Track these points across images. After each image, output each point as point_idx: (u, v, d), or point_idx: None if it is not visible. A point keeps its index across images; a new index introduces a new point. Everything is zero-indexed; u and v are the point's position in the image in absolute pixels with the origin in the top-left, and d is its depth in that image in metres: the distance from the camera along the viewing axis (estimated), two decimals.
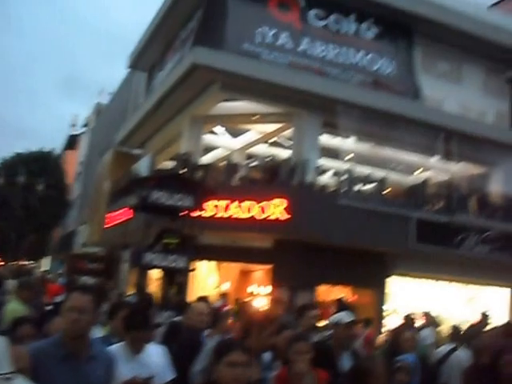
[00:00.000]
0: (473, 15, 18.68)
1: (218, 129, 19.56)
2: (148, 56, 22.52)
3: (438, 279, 17.35)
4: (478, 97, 19.85)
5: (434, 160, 18.77)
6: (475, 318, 15.09)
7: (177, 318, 8.19)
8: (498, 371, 5.26)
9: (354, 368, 4.88)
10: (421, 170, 21.04)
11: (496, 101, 20.33)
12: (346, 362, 5.58)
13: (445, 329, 13.28)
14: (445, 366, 7.68)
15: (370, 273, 15.49)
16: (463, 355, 7.25)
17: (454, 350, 7.95)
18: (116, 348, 4.46)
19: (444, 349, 8.38)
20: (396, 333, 7.77)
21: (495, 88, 20.25)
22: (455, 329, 9.50)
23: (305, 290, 13.78)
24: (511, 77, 20.52)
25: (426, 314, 12.63)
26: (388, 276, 16.35)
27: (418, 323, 12.67)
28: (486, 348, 5.89)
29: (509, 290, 18.62)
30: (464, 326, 10.76)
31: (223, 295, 14.83)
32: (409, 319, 11.76)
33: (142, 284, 12.32)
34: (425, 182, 18.08)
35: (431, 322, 12.13)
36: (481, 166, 19.80)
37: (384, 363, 4.87)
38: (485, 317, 12.50)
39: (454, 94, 19.14)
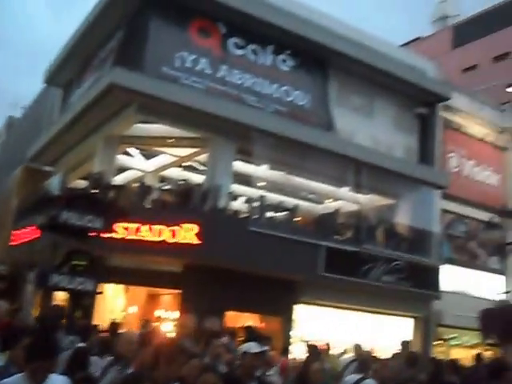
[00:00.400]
0: (385, 53, 19.40)
1: (132, 150, 19.33)
2: (65, 72, 22.04)
3: (345, 307, 17.58)
4: (388, 131, 20.46)
5: (344, 190, 19.24)
6: (381, 346, 15.49)
7: (82, 344, 7.97)
8: None
9: None
10: (331, 199, 21.47)
11: (405, 135, 21.06)
12: None
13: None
14: None
15: (278, 300, 15.57)
16: None
17: (362, 379, 8.07)
18: (14, 380, 4.13)
19: (352, 378, 8.47)
20: (305, 364, 7.83)
21: (405, 123, 21.00)
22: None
23: (213, 316, 13.71)
24: (420, 113, 21.36)
25: (357, 347, 12.46)
26: (296, 303, 16.49)
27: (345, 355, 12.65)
28: (391, 377, 6.05)
29: (412, 320, 19.21)
30: (370, 355, 10.95)
31: (146, 322, 13.63)
32: (313, 348, 11.80)
33: (49, 307, 11.87)
34: (335, 212, 18.50)
35: (361, 355, 12.01)
36: (389, 197, 20.39)
37: None
38: (405, 346, 12.68)
39: (365, 128, 19.66)
